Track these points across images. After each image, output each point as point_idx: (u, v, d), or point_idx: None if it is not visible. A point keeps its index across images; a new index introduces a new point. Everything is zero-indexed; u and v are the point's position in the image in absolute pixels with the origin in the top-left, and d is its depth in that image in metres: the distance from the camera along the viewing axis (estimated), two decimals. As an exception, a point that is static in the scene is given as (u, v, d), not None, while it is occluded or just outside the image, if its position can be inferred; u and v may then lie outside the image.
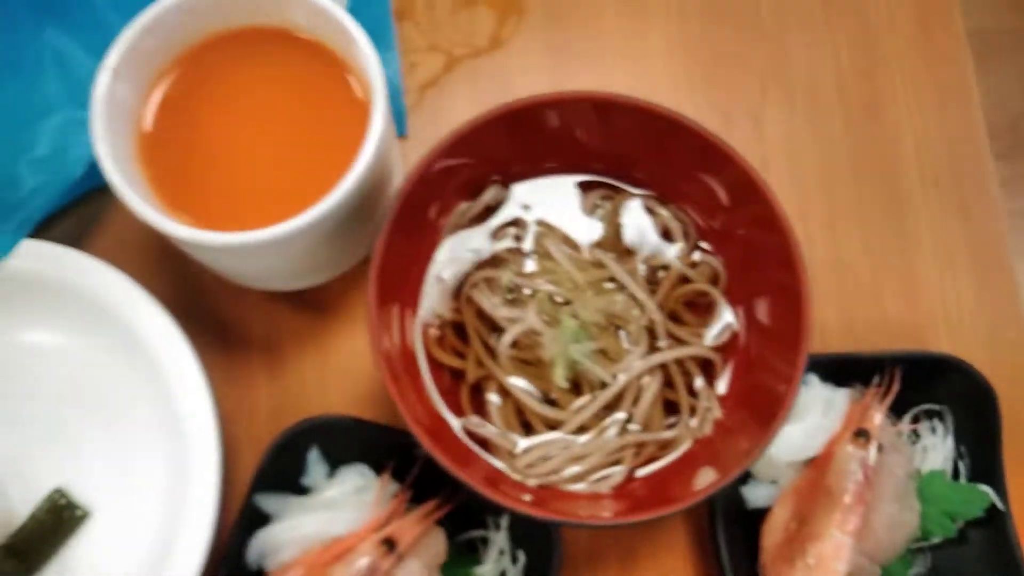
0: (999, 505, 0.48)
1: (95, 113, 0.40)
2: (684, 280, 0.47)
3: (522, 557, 0.45)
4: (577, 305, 0.45)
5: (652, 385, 0.44)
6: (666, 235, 0.47)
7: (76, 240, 0.51)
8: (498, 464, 0.43)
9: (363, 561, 0.43)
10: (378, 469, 0.47)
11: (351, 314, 0.52)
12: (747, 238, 0.44)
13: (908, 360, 0.48)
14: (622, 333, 0.45)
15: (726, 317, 0.46)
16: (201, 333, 0.48)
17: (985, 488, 0.48)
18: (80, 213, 0.52)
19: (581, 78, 0.56)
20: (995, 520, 0.48)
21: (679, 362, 0.45)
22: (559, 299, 0.45)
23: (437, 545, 0.45)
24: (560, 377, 0.43)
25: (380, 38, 0.55)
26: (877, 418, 0.46)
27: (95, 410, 0.47)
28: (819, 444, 0.47)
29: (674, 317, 0.46)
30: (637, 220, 0.47)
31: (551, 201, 0.47)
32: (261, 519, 0.45)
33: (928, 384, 0.49)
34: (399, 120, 0.54)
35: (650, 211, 0.47)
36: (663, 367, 0.45)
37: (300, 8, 0.41)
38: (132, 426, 0.47)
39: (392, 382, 0.38)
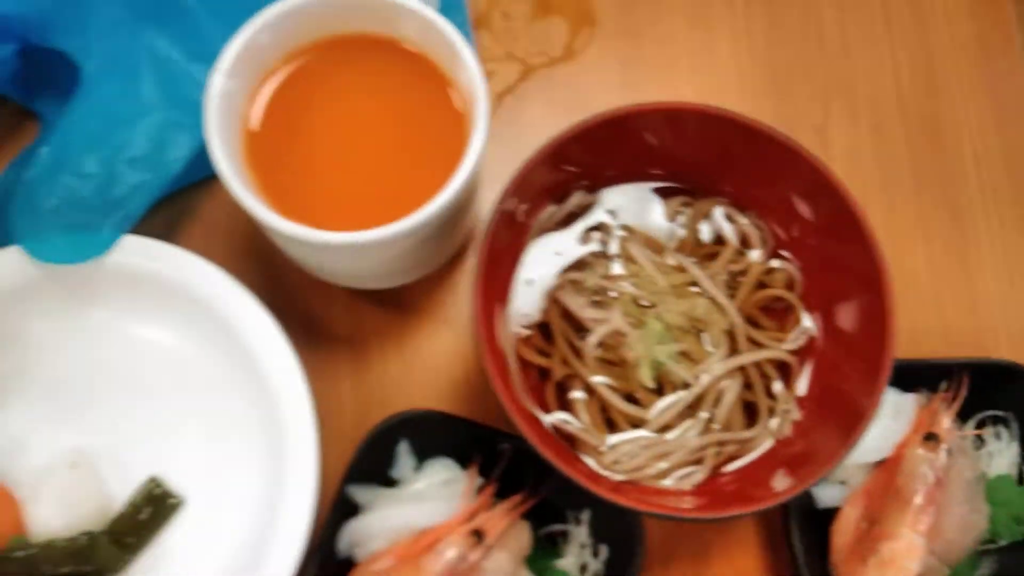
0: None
1: (208, 112, 0.42)
2: (761, 285, 0.48)
3: (604, 551, 0.47)
4: (661, 308, 0.46)
5: (733, 386, 0.46)
6: (744, 242, 0.49)
7: (166, 235, 0.53)
8: (588, 460, 0.45)
9: (452, 552, 0.45)
10: (462, 463, 0.48)
11: (432, 313, 0.54)
12: (826, 247, 0.46)
13: (973, 367, 0.50)
14: (703, 336, 0.47)
15: (803, 322, 0.47)
16: (287, 329, 0.49)
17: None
18: (170, 209, 0.53)
19: (651, 88, 0.58)
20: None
21: (757, 365, 0.47)
22: (643, 302, 0.47)
23: (523, 537, 0.47)
24: (647, 377, 0.45)
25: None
26: (946, 422, 0.48)
27: (191, 401, 0.49)
28: (888, 447, 0.49)
29: (751, 321, 0.48)
30: (716, 227, 0.49)
31: (634, 206, 0.49)
32: (352, 510, 0.47)
33: (992, 391, 0.50)
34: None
35: (729, 218, 0.49)
36: (742, 369, 0.46)
37: (411, 21, 0.43)
38: (227, 418, 0.48)
39: (499, 380, 0.40)
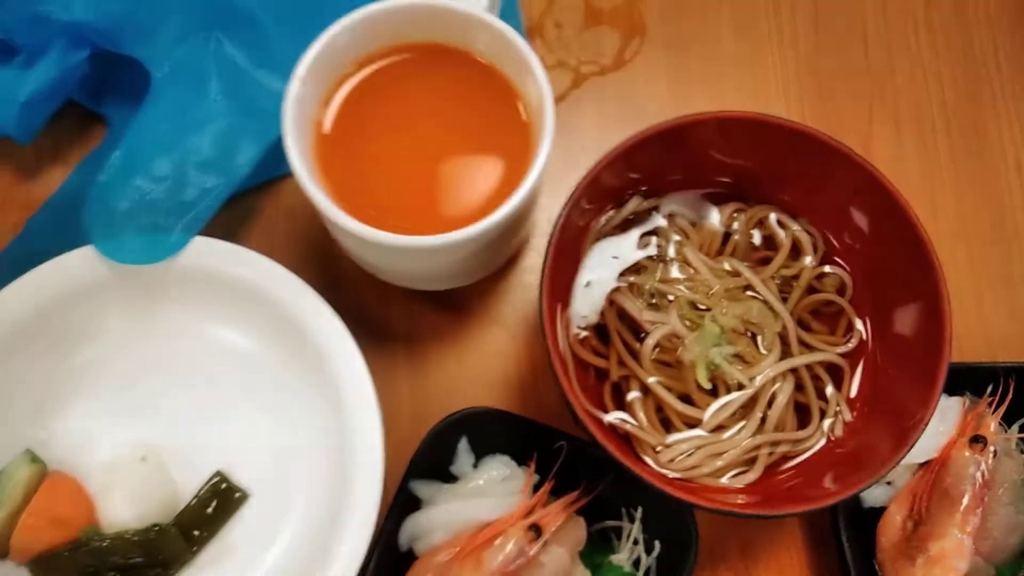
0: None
1: (286, 116, 0.43)
2: (812, 290, 0.50)
3: (657, 546, 0.48)
4: (716, 311, 0.48)
5: (786, 388, 0.47)
6: (795, 247, 0.50)
7: (226, 237, 0.54)
8: (645, 459, 0.46)
9: (512, 546, 0.46)
10: (517, 459, 0.50)
11: (485, 314, 0.55)
12: (878, 254, 0.47)
13: (1018, 371, 0.51)
14: (757, 338, 0.48)
15: (854, 326, 0.49)
16: (347, 328, 0.51)
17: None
18: (230, 212, 0.55)
19: (699, 97, 0.59)
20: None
21: (809, 367, 0.48)
22: (699, 305, 0.48)
23: (578, 533, 0.48)
24: (703, 378, 0.46)
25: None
26: (992, 425, 0.49)
27: (257, 398, 0.50)
28: (934, 448, 0.50)
29: (802, 324, 0.49)
30: (769, 232, 0.50)
31: (689, 212, 0.50)
32: (413, 504, 0.48)
33: (1036, 395, 0.52)
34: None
35: (781, 224, 0.50)
36: (794, 371, 0.48)
37: (484, 33, 0.44)
38: (292, 415, 0.50)
39: (566, 380, 0.41)
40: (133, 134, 0.51)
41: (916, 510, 0.49)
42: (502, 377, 0.54)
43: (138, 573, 0.47)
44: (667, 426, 0.47)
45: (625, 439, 0.47)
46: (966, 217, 0.58)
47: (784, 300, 0.49)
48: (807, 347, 0.48)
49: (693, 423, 0.47)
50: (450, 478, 0.49)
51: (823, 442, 0.47)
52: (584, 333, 0.48)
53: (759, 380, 0.47)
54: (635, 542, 0.49)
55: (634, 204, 0.49)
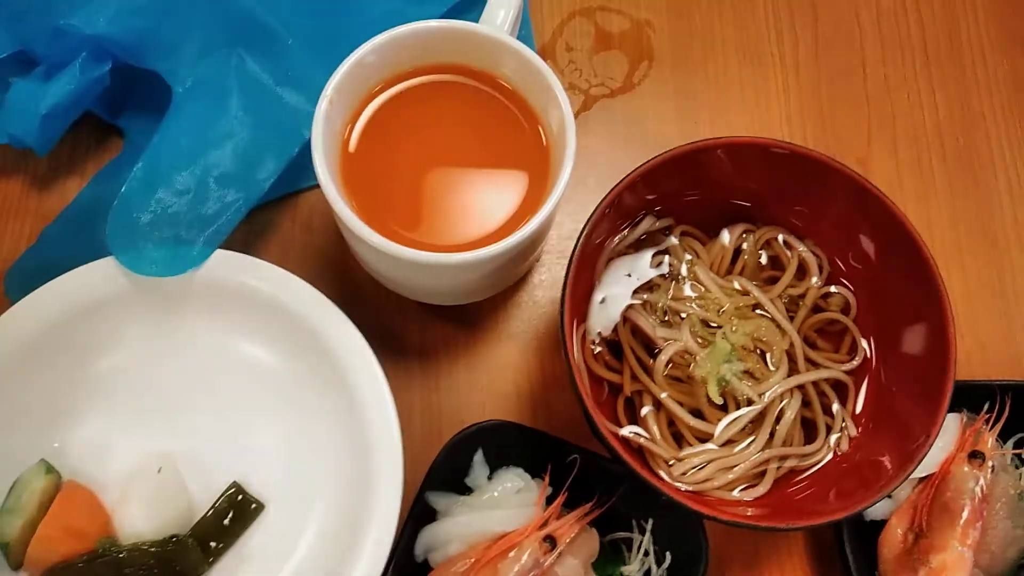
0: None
1: (316, 133, 0.44)
2: (817, 309, 0.51)
3: (668, 558, 0.49)
4: (726, 329, 0.49)
5: (793, 404, 0.48)
6: (801, 268, 0.52)
7: (244, 250, 0.55)
8: (658, 472, 0.47)
9: (527, 556, 0.47)
10: (531, 472, 0.51)
11: (496, 329, 0.56)
12: (882, 275, 0.49)
13: (1014, 389, 0.53)
14: (766, 355, 0.49)
15: (859, 344, 0.50)
16: (364, 341, 0.51)
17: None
18: (248, 225, 0.56)
19: (705, 120, 0.61)
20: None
21: (815, 383, 0.49)
22: (710, 323, 0.49)
23: (591, 544, 0.49)
24: (715, 393, 0.47)
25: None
26: (990, 441, 0.51)
27: (275, 409, 0.51)
28: (933, 463, 0.51)
29: (808, 342, 0.51)
30: (777, 253, 0.52)
31: (700, 232, 0.52)
32: (429, 515, 0.49)
33: (1030, 412, 0.53)
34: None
35: (788, 245, 0.52)
36: (801, 388, 0.49)
37: (511, 58, 0.46)
38: (310, 426, 0.50)
39: (587, 396, 0.42)
40: (155, 148, 0.51)
41: (917, 523, 0.50)
42: (513, 390, 0.55)
43: (155, 584, 0.47)
44: (678, 440, 0.48)
45: (638, 453, 0.48)
46: (961, 240, 0.60)
47: (791, 319, 0.50)
48: (813, 364, 0.50)
49: (704, 437, 0.48)
50: (465, 490, 0.50)
51: (829, 456, 0.48)
52: (598, 348, 0.50)
53: (768, 396, 0.48)
54: (645, 553, 0.50)
55: (647, 224, 0.51)
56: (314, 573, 0.48)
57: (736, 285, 0.50)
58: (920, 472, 0.52)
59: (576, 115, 0.60)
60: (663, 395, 0.48)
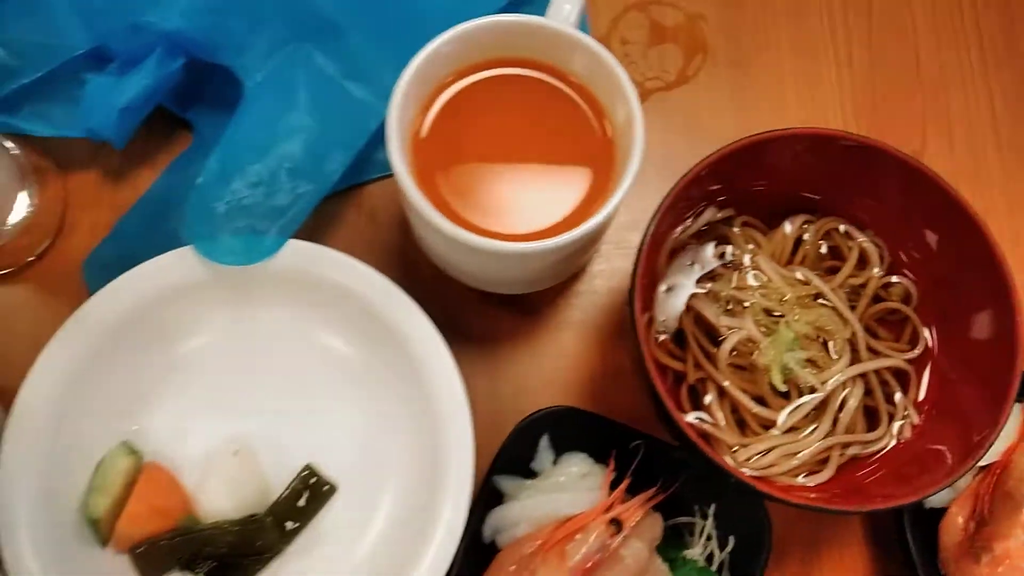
0: None
1: (391, 123, 0.45)
2: (878, 298, 0.52)
3: (732, 541, 0.50)
4: (789, 317, 0.50)
5: (856, 392, 0.49)
6: (862, 258, 0.52)
7: (313, 239, 0.56)
8: (724, 457, 0.48)
9: (594, 539, 0.48)
10: (595, 457, 0.52)
11: (555, 318, 0.57)
12: (946, 265, 0.49)
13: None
14: (828, 344, 0.50)
15: (920, 334, 0.51)
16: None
17: None
18: (315, 216, 0.56)
19: (759, 112, 0.62)
20: None
21: (877, 372, 0.50)
22: (772, 312, 0.50)
23: (655, 528, 0.50)
24: (778, 381, 0.48)
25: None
26: (1052, 430, 0.51)
27: (348, 395, 0.52)
28: (996, 452, 0.52)
29: (869, 331, 0.51)
30: (837, 244, 0.52)
31: (762, 222, 0.52)
32: (496, 498, 0.50)
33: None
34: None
35: (849, 236, 0.52)
36: (863, 376, 0.50)
37: (580, 54, 0.46)
38: (381, 410, 0.52)
39: (661, 384, 0.43)
40: (228, 140, 0.53)
41: (979, 511, 0.51)
42: (575, 378, 0.56)
43: (234, 561, 0.49)
44: (742, 427, 0.49)
45: (703, 439, 0.49)
46: (1018, 233, 0.60)
47: (852, 308, 0.51)
48: (875, 353, 0.50)
49: (768, 424, 0.49)
50: (531, 474, 0.51)
51: (892, 444, 0.49)
52: (662, 336, 0.51)
53: (830, 384, 0.49)
54: (708, 537, 0.51)
55: (709, 214, 0.51)
56: (388, 552, 0.50)
57: (798, 275, 0.51)
58: (982, 461, 0.53)
59: (633, 108, 0.61)
60: (726, 383, 0.49)
